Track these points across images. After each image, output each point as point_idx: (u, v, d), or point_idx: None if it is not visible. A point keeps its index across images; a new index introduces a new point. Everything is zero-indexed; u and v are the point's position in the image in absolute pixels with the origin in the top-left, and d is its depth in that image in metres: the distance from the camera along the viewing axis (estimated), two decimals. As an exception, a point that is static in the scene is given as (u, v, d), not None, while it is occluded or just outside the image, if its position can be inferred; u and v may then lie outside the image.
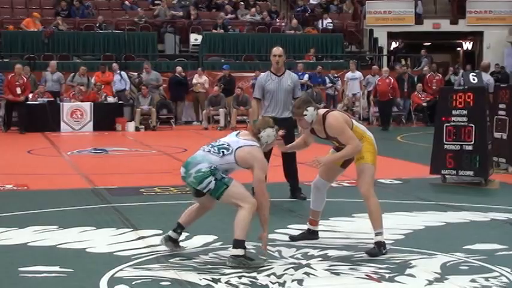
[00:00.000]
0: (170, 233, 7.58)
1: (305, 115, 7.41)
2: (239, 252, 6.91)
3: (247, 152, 7.16)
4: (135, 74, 27.04)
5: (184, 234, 8.22)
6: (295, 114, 7.53)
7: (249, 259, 6.96)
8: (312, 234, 8.12)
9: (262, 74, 11.34)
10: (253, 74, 26.29)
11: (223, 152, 7.14)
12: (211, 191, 7.09)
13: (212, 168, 7.06)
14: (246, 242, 7.18)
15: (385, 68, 26.30)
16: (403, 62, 31.52)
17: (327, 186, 8.06)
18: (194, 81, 26.88)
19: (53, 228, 8.66)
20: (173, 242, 7.58)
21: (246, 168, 7.27)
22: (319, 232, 8.39)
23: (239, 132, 7.44)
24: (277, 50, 10.81)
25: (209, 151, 7.19)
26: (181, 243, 7.77)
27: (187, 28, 31.39)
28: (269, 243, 7.80)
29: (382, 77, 25.13)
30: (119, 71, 26.18)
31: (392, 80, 24.92)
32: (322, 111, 7.63)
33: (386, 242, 7.59)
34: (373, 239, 7.60)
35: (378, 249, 7.39)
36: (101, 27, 30.02)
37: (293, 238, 8.15)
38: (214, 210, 10.02)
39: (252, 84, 24.34)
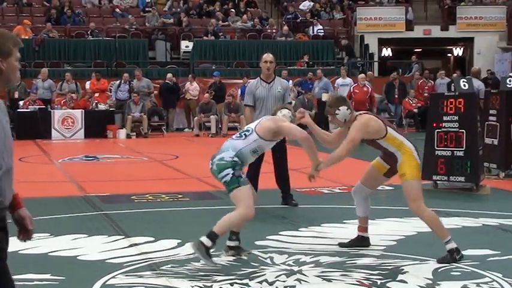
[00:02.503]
0: (227, 242, 7.64)
1: (337, 114, 7.43)
2: (207, 242, 7.01)
3: (265, 122, 7.43)
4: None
5: (176, 241, 8.23)
6: (327, 112, 7.55)
7: (209, 255, 7.04)
8: (361, 241, 8.00)
9: (252, 80, 11.29)
10: (241, 81, 26.44)
11: (245, 134, 7.37)
12: (226, 183, 7.19)
13: (235, 160, 7.19)
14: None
15: (361, 75, 24.52)
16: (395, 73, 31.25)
17: (366, 192, 7.89)
18: (187, 87, 26.88)
19: (44, 235, 8.64)
20: (234, 249, 7.66)
21: (272, 140, 7.48)
22: (312, 238, 8.40)
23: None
24: (267, 56, 10.74)
25: (232, 138, 7.43)
26: (175, 250, 7.78)
27: (178, 35, 31.41)
28: (261, 250, 7.80)
29: (358, 84, 23.47)
30: (128, 81, 26.04)
31: (370, 89, 23.55)
32: (359, 112, 7.61)
33: (380, 248, 7.59)
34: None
35: (450, 257, 7.29)
36: (92, 35, 29.99)
37: (342, 245, 8.05)
38: (207, 217, 10.03)
39: (241, 93, 24.38)
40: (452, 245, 7.32)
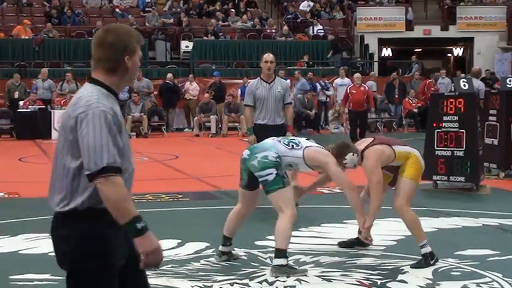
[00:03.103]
0: (220, 248, 7.56)
1: (345, 164, 7.38)
2: (282, 261, 6.85)
3: (316, 150, 7.32)
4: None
5: (176, 241, 8.23)
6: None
7: (292, 267, 6.95)
8: (359, 242, 7.99)
9: (252, 80, 11.28)
10: (241, 81, 26.53)
11: (292, 145, 7.25)
12: (267, 182, 7.01)
13: (278, 161, 7.06)
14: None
15: (357, 75, 23.11)
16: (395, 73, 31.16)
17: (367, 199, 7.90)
18: (186, 87, 26.89)
19: (44, 235, 8.62)
20: (227, 254, 7.55)
21: (310, 168, 7.39)
22: (312, 238, 8.41)
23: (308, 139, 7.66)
24: (268, 57, 10.72)
25: (279, 141, 7.31)
26: (175, 250, 7.79)
27: (178, 35, 31.40)
28: (261, 250, 7.81)
29: (355, 84, 22.19)
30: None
31: (367, 88, 23.07)
32: (362, 146, 7.54)
33: (380, 248, 7.58)
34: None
35: (424, 261, 7.21)
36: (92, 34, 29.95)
37: (341, 245, 8.08)
38: (207, 217, 10.04)
39: (241, 93, 24.37)
40: (427, 249, 7.25)
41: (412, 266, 7.21)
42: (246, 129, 11.80)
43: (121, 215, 3.54)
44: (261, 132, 9.95)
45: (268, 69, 10.64)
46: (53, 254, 3.87)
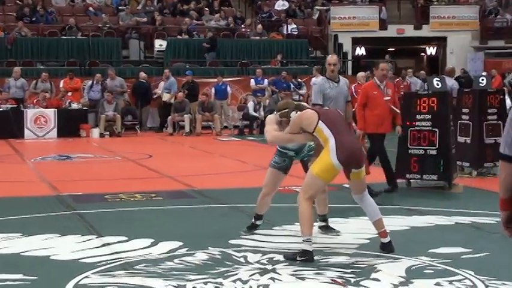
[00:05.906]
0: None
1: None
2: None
3: None
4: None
5: (149, 241, 8.21)
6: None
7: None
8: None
9: (319, 79, 11.08)
10: (215, 80, 26.63)
11: None
12: None
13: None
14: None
15: (362, 73, 22.47)
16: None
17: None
18: (158, 91, 26.77)
19: (16, 235, 8.58)
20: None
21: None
22: (285, 237, 8.41)
23: None
24: (331, 59, 10.60)
25: None
26: (149, 250, 7.79)
27: (151, 34, 31.30)
28: (235, 249, 7.81)
29: (359, 83, 21.77)
30: (101, 81, 25.85)
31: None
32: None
33: (353, 246, 7.58)
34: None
35: (293, 254, 7.38)
36: (68, 32, 29.68)
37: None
38: (181, 216, 10.01)
39: (215, 92, 24.29)
40: (305, 246, 7.33)
41: (284, 256, 7.42)
42: None
43: None
44: None
45: (332, 71, 10.58)
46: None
